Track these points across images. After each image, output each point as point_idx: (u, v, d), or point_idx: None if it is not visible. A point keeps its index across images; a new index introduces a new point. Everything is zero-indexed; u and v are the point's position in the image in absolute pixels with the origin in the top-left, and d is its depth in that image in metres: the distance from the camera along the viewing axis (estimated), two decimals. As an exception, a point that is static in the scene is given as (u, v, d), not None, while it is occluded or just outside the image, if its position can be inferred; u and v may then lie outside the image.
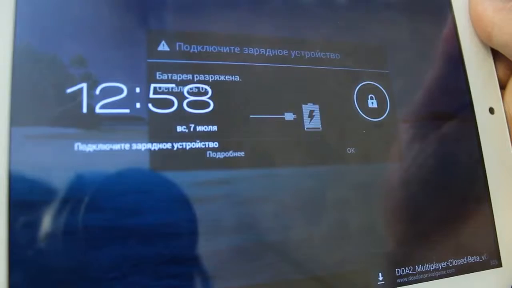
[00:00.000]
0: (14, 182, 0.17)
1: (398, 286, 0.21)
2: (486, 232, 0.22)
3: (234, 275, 0.19)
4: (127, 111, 0.19)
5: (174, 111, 0.19)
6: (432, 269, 0.21)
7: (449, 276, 0.21)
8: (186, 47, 0.20)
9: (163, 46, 0.20)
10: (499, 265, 0.22)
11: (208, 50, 0.21)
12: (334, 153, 0.21)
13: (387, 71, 0.23)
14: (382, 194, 0.22)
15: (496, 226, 0.22)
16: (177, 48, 0.20)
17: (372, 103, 0.22)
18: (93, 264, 0.17)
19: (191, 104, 0.20)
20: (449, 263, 0.22)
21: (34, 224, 0.17)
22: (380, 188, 0.22)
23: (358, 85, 0.22)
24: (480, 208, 0.23)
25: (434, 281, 0.21)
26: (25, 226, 0.17)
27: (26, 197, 0.17)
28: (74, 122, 0.18)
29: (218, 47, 0.21)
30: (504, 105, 0.24)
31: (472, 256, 0.22)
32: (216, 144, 0.20)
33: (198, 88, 0.20)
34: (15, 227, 0.17)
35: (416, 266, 0.21)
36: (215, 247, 0.19)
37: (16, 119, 0.17)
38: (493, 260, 0.22)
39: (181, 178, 0.19)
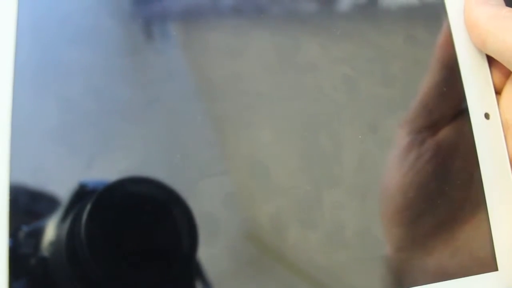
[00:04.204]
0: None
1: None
2: (482, 236, 0.23)
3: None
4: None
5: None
6: (429, 273, 0.22)
7: (446, 280, 0.22)
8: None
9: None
10: (495, 268, 0.22)
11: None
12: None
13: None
14: (380, 199, 0.22)
15: (492, 230, 0.23)
16: None
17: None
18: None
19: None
20: (445, 267, 0.22)
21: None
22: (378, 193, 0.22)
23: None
24: (476, 213, 0.23)
25: (430, 284, 0.21)
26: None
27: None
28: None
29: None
30: (499, 110, 0.24)
31: (468, 260, 0.22)
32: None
33: None
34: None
35: (413, 271, 0.22)
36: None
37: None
38: (489, 263, 0.22)
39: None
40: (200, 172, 0.20)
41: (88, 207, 0.18)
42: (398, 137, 0.23)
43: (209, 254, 0.19)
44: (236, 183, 0.21)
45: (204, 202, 0.20)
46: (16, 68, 0.18)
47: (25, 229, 0.17)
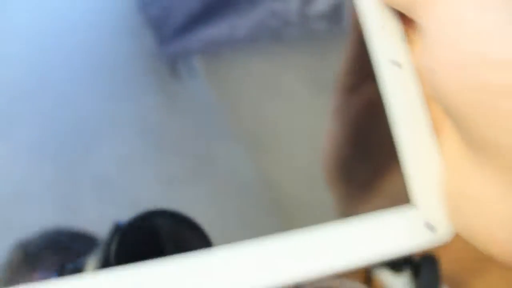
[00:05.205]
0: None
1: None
2: (397, 176, 0.25)
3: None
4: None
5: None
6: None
7: (363, 215, 0.25)
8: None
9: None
10: (411, 203, 0.25)
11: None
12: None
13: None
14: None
15: (407, 171, 0.25)
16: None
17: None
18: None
19: None
20: (363, 206, 0.25)
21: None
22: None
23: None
24: (391, 159, 0.25)
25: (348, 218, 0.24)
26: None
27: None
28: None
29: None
30: (411, 58, 0.26)
31: (385, 197, 0.25)
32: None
33: None
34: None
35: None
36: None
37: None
38: (405, 199, 0.25)
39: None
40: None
41: (116, 241, 0.21)
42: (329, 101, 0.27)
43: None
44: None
45: None
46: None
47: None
